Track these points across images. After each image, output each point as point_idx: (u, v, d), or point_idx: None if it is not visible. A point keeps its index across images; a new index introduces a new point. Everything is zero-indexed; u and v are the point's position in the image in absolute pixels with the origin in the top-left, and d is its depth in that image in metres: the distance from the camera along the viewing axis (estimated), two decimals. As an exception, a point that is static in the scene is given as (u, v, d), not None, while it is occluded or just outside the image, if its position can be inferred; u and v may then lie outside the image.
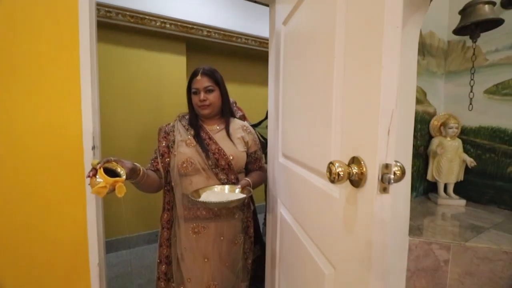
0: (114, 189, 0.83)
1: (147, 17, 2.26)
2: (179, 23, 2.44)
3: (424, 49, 1.64)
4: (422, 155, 1.72)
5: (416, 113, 1.62)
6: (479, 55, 1.60)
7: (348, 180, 0.55)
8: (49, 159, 1.01)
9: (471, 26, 1.29)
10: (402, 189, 1.14)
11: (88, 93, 1.00)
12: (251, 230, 1.26)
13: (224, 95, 1.22)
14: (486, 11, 1.21)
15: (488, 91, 1.58)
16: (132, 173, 0.96)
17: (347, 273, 0.62)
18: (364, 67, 0.56)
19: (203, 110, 1.17)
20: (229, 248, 1.18)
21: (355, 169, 0.53)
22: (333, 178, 0.51)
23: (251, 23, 2.76)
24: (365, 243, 0.54)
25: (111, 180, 0.80)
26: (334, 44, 0.70)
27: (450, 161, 1.62)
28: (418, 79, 1.58)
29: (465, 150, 1.65)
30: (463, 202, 1.60)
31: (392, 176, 0.48)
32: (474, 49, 1.42)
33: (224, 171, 1.15)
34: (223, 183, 1.14)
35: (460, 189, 1.67)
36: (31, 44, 0.94)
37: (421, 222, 1.35)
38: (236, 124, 1.26)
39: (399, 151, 1.07)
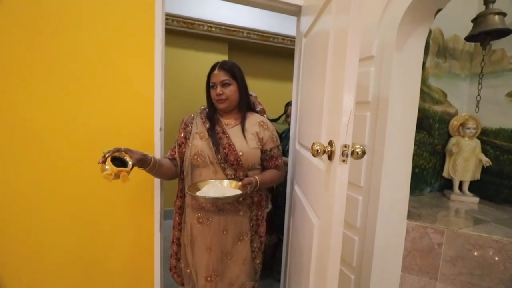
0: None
1: (196, 22, 2.62)
2: (223, 27, 2.77)
3: (446, 52, 1.72)
4: (439, 153, 1.81)
5: (435, 113, 1.75)
6: (504, 59, 1.64)
7: (326, 155, 0.79)
8: (129, 140, 1.35)
9: (482, 35, 1.38)
10: (402, 179, 1.31)
11: (159, 87, 1.32)
12: (262, 230, 1.21)
13: (242, 89, 1.17)
14: (496, 21, 1.29)
15: (510, 94, 1.62)
16: (142, 163, 0.99)
17: (325, 221, 0.85)
18: (337, 86, 0.79)
19: (220, 104, 1.14)
20: (234, 243, 1.14)
21: (328, 148, 0.76)
22: (314, 152, 0.75)
23: (286, 24, 2.98)
24: (333, 197, 0.77)
25: (116, 169, 0.85)
26: (326, 66, 0.93)
27: (466, 160, 1.69)
28: (439, 81, 1.70)
29: (484, 151, 1.71)
30: (476, 199, 1.68)
31: (349, 152, 0.71)
32: (483, 58, 1.49)
33: (233, 166, 1.11)
34: (229, 179, 1.11)
35: (477, 187, 1.74)
36: (122, 54, 1.28)
37: (425, 211, 1.49)
38: (254, 119, 1.18)
39: (400, 144, 1.25)
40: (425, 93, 1.70)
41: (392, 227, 1.33)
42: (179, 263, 1.26)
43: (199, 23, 2.63)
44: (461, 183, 1.74)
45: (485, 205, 1.64)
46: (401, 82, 1.21)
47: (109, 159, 0.86)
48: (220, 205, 1.10)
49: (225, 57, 3.01)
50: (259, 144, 1.15)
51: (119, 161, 0.89)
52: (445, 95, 1.77)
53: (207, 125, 1.17)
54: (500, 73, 1.67)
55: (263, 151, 1.17)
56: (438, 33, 1.68)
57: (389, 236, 1.33)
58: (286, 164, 1.78)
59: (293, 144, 1.56)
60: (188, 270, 1.21)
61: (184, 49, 2.82)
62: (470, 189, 1.73)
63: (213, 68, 1.17)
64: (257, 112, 1.35)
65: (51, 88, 1.17)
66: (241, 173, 1.12)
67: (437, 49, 1.69)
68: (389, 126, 1.23)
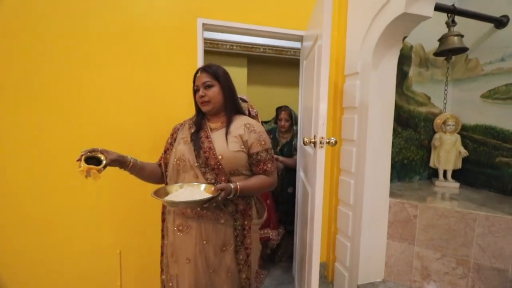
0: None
1: (220, 42, 3.13)
2: (242, 45, 3.25)
3: (428, 62, 2.07)
4: (426, 146, 2.14)
5: (420, 113, 2.10)
6: (477, 66, 1.97)
7: (312, 144, 1.21)
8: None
9: (446, 51, 1.72)
10: (383, 166, 1.69)
11: None
12: (248, 241, 1.10)
13: (226, 90, 1.12)
14: (456, 41, 1.64)
15: (483, 96, 1.93)
16: (120, 164, 1.02)
17: (313, 187, 1.27)
18: (317, 99, 1.21)
19: (204, 107, 1.11)
20: (216, 254, 1.06)
21: (313, 139, 1.18)
22: (305, 143, 1.18)
23: (298, 39, 3.40)
24: (315, 170, 1.17)
25: (86, 166, 0.90)
26: (313, 85, 1.35)
27: (448, 152, 2.02)
28: (423, 87, 2.07)
29: (464, 144, 2.03)
30: (457, 185, 1.99)
31: (324, 142, 1.11)
32: (447, 69, 1.83)
33: (214, 171, 1.05)
34: (210, 183, 1.04)
35: (459, 175, 2.05)
36: (171, 71, 1.76)
37: (408, 193, 1.85)
38: (240, 121, 1.12)
39: (379, 139, 1.64)
40: (410, 98, 2.05)
41: (377, 203, 1.71)
42: (162, 274, 1.20)
43: (223, 43, 3.13)
44: (445, 172, 2.06)
45: (464, 189, 1.96)
46: (378, 92, 1.60)
47: (83, 158, 0.92)
48: (200, 211, 1.05)
49: (244, 70, 3.49)
50: (242, 147, 1.08)
51: (95, 160, 0.94)
52: (429, 98, 2.11)
53: (192, 130, 1.14)
54: (475, 78, 1.99)
55: (249, 155, 1.10)
56: (420, 47, 2.03)
57: (374, 210, 1.71)
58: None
59: (300, 142, 1.98)
60: (170, 284, 1.12)
61: (210, 64, 3.33)
62: (453, 177, 2.05)
63: (196, 72, 1.14)
64: (250, 116, 1.46)
65: (111, 103, 1.68)
66: (223, 178, 1.05)
67: (419, 60, 2.04)
68: (369, 125, 1.62)
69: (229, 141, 1.07)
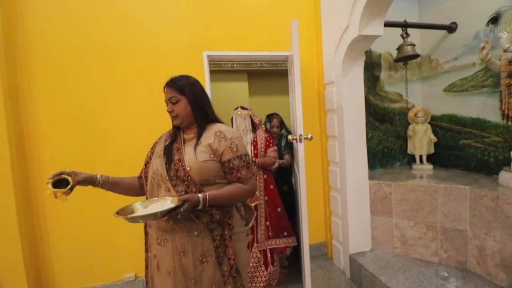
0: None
1: (223, 62, 3.60)
2: (242, 61, 3.72)
3: (397, 66, 2.45)
4: (403, 137, 2.50)
5: (394, 109, 2.49)
6: (438, 65, 2.34)
7: (295, 141, 1.62)
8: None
9: (402, 58, 2.11)
10: (360, 155, 2.07)
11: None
12: (231, 252, 1.06)
13: (193, 102, 1.10)
14: (409, 50, 2.03)
15: (445, 90, 2.30)
16: (89, 183, 1.07)
17: (299, 172, 1.66)
18: (294, 105, 1.63)
19: (174, 121, 1.13)
20: (195, 266, 1.04)
21: (295, 137, 1.59)
22: (290, 140, 1.59)
23: (290, 52, 3.84)
24: (299, 159, 1.58)
25: (52, 190, 0.98)
26: (291, 95, 1.77)
27: (420, 140, 2.37)
28: (394, 86, 2.45)
29: (435, 131, 2.38)
30: (430, 166, 2.34)
31: (302, 138, 1.52)
32: (406, 71, 2.22)
33: (184, 182, 1.03)
34: (180, 196, 1.00)
35: (434, 159, 2.40)
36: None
37: (386, 176, 2.21)
38: (211, 130, 1.11)
39: (354, 134, 2.03)
40: (383, 97, 2.44)
41: (358, 186, 2.08)
42: (147, 287, 1.19)
43: (225, 62, 3.61)
44: (421, 157, 2.42)
45: (437, 170, 2.30)
46: (350, 96, 2.00)
47: (50, 182, 0.99)
48: (172, 225, 1.04)
49: (245, 84, 3.95)
50: (212, 156, 1.06)
51: (65, 182, 1.01)
52: (401, 95, 2.48)
53: (167, 142, 1.14)
54: (437, 76, 2.36)
55: (222, 163, 1.07)
56: (388, 54, 2.42)
57: (357, 192, 2.08)
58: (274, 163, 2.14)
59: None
60: None
61: (215, 82, 3.80)
62: (428, 160, 2.40)
63: (164, 87, 1.12)
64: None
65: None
66: (193, 189, 1.03)
67: (388, 65, 2.43)
68: (345, 123, 2.01)
69: (197, 151, 1.05)
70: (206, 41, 2.16)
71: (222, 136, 1.07)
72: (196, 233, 1.03)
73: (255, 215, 1.28)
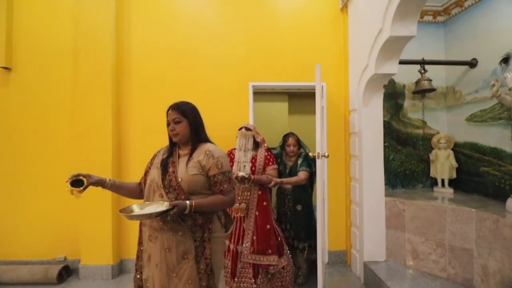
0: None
1: (266, 88, 4.16)
2: (283, 87, 4.23)
3: (423, 95, 2.68)
4: (426, 160, 2.69)
5: (417, 135, 2.71)
6: (461, 96, 2.53)
7: (316, 157, 2.02)
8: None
9: (420, 91, 2.36)
10: (376, 174, 2.36)
11: (251, 120, 2.77)
12: (208, 252, 1.23)
13: (192, 124, 1.30)
14: (426, 84, 2.29)
15: (467, 119, 2.46)
16: (99, 184, 1.25)
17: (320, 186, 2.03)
18: (317, 129, 2.04)
19: (174, 138, 1.30)
20: (178, 261, 1.21)
21: (315, 154, 1.98)
22: (312, 156, 1.99)
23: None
24: (320, 171, 1.95)
25: (70, 188, 1.16)
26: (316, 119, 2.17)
27: (442, 165, 2.54)
28: (418, 114, 2.69)
29: (458, 157, 2.53)
30: (451, 190, 2.49)
31: (321, 155, 1.90)
32: (423, 102, 2.45)
33: (175, 191, 1.21)
34: (171, 201, 1.17)
35: (456, 183, 2.54)
36: (232, 107, 2.77)
37: (403, 195, 2.44)
38: (202, 149, 1.30)
39: (371, 155, 2.34)
40: (406, 123, 2.68)
41: (374, 201, 2.36)
42: (136, 274, 1.35)
43: (267, 88, 4.16)
44: (443, 180, 2.57)
45: (458, 194, 2.44)
46: (368, 123, 2.33)
47: (69, 181, 1.17)
48: (162, 225, 1.21)
49: (285, 104, 4.44)
50: (200, 170, 1.25)
51: (81, 182, 1.18)
52: (425, 122, 2.70)
53: (164, 156, 1.33)
54: (460, 106, 2.54)
55: (208, 177, 1.27)
56: (412, 85, 2.67)
57: (373, 206, 2.36)
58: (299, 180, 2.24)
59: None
60: (147, 284, 1.28)
61: (259, 102, 4.37)
62: (451, 185, 2.54)
63: (168, 109, 1.32)
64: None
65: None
66: (182, 197, 1.21)
67: (412, 95, 2.68)
68: (364, 145, 2.34)
69: (188, 166, 1.25)
70: (251, 73, 2.72)
71: (211, 154, 1.28)
72: (180, 233, 1.21)
73: (234, 223, 1.52)
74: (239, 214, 2.08)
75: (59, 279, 2.37)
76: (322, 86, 2.71)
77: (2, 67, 2.56)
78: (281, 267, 2.10)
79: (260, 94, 4.31)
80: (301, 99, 4.64)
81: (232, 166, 1.98)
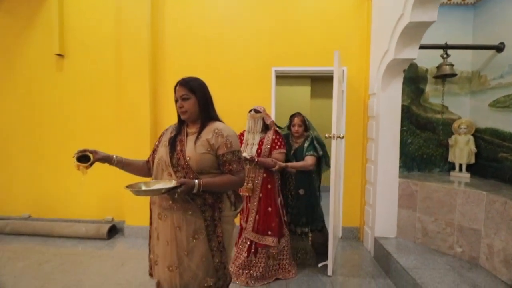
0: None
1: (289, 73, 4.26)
2: (305, 71, 4.30)
3: (445, 80, 2.67)
4: (445, 145, 2.72)
5: (438, 120, 2.75)
6: (486, 81, 2.50)
7: (331, 138, 2.17)
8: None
9: (441, 76, 2.37)
10: (392, 156, 2.47)
11: (273, 108, 2.94)
12: (219, 230, 1.24)
13: (201, 102, 1.26)
14: (447, 69, 2.29)
15: (490, 105, 2.45)
16: (106, 161, 1.26)
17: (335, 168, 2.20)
18: (332, 111, 2.17)
19: (182, 115, 1.26)
20: (189, 240, 1.20)
21: (331, 135, 2.14)
22: (327, 137, 2.15)
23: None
24: (336, 151, 2.12)
25: (76, 164, 1.17)
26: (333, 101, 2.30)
27: (461, 150, 2.58)
28: (440, 99, 2.71)
29: (478, 143, 2.54)
30: (467, 175, 2.54)
31: (336, 136, 2.06)
32: (443, 88, 2.45)
33: (184, 169, 1.19)
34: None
35: (475, 168, 2.57)
36: (255, 90, 2.98)
37: (417, 177, 2.53)
38: (211, 127, 1.25)
39: (388, 137, 2.45)
40: (427, 108, 2.71)
41: (388, 181, 2.49)
42: (150, 254, 1.35)
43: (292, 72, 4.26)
44: (461, 165, 2.61)
45: (475, 179, 2.48)
46: (386, 107, 2.42)
47: (75, 156, 1.18)
48: (172, 204, 1.20)
49: (308, 88, 4.52)
50: (209, 149, 1.21)
51: (87, 158, 1.19)
52: (447, 107, 2.71)
53: (172, 134, 1.30)
54: (485, 91, 2.52)
55: (217, 156, 1.23)
56: (434, 69, 2.67)
57: (387, 186, 2.49)
58: (306, 166, 2.18)
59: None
60: (156, 261, 1.28)
61: (280, 85, 4.50)
62: (469, 170, 2.58)
63: (176, 85, 1.26)
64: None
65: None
66: (191, 176, 1.18)
67: (434, 80, 2.68)
68: (381, 128, 2.44)
69: (197, 145, 1.21)
70: (274, 58, 2.87)
71: (220, 133, 1.23)
72: (190, 212, 1.20)
73: (243, 202, 1.55)
74: (245, 193, 2.11)
75: (108, 235, 2.83)
76: (343, 70, 2.81)
77: (56, 54, 2.94)
78: (280, 248, 2.15)
79: (283, 77, 4.42)
80: (324, 82, 4.69)
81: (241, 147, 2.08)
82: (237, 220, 1.53)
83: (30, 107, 3.06)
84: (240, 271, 2.13)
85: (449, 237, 2.20)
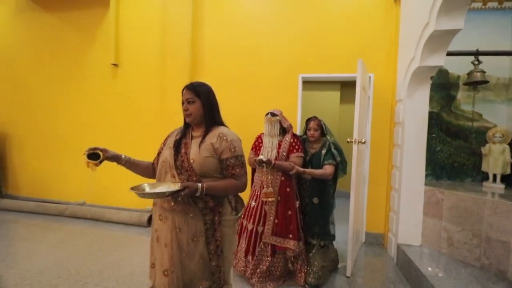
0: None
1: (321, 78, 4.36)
2: (332, 78, 4.36)
3: (476, 87, 2.59)
4: (478, 154, 2.63)
5: (470, 127, 2.68)
6: (526, 89, 2.39)
7: (353, 142, 2.24)
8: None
9: (473, 82, 2.31)
10: (417, 162, 2.46)
11: (299, 112, 3.08)
12: (218, 235, 1.25)
13: (206, 106, 1.28)
14: (478, 76, 2.23)
15: (529, 113, 2.34)
16: (115, 160, 1.29)
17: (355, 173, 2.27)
18: (355, 117, 2.25)
19: (187, 118, 1.29)
20: (188, 242, 1.21)
21: (352, 140, 2.21)
22: (349, 142, 2.23)
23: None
24: (356, 156, 2.20)
25: (86, 160, 1.20)
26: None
27: (496, 159, 2.47)
28: (474, 106, 2.63)
29: (515, 153, 2.43)
30: (502, 186, 2.42)
31: (357, 141, 2.13)
32: (473, 95, 2.37)
33: (187, 172, 1.21)
34: (183, 183, 1.17)
35: (511, 179, 2.45)
36: (284, 95, 3.15)
37: (445, 185, 2.48)
38: (216, 132, 1.27)
39: (413, 143, 2.46)
40: (458, 115, 2.65)
41: (413, 188, 2.48)
42: (151, 256, 1.34)
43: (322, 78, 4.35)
44: (495, 176, 2.50)
45: (509, 190, 2.37)
46: (412, 113, 2.42)
47: (86, 153, 1.21)
48: (173, 206, 1.21)
49: (337, 93, 4.56)
50: (213, 153, 1.23)
51: (97, 156, 1.22)
52: (480, 115, 2.61)
53: (177, 137, 1.32)
54: (524, 99, 2.40)
55: (221, 161, 1.25)
56: (466, 75, 2.60)
57: (411, 193, 2.48)
58: (325, 175, 2.09)
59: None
60: (153, 263, 1.30)
61: (308, 90, 4.60)
62: (504, 181, 2.47)
63: (183, 89, 1.30)
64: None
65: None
66: (194, 178, 1.20)
67: (467, 87, 2.61)
68: (406, 135, 2.45)
69: (201, 148, 1.23)
70: (301, 65, 3.02)
71: (224, 138, 1.25)
72: (191, 215, 1.22)
73: (245, 206, 1.53)
74: (270, 198, 1.99)
75: (148, 223, 3.19)
76: (370, 76, 2.86)
77: (112, 64, 3.41)
78: (298, 252, 2.11)
79: (312, 83, 4.53)
80: (354, 88, 4.69)
81: (259, 150, 2.20)
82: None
83: (89, 110, 3.59)
84: (263, 279, 2.09)
85: (476, 248, 2.14)
